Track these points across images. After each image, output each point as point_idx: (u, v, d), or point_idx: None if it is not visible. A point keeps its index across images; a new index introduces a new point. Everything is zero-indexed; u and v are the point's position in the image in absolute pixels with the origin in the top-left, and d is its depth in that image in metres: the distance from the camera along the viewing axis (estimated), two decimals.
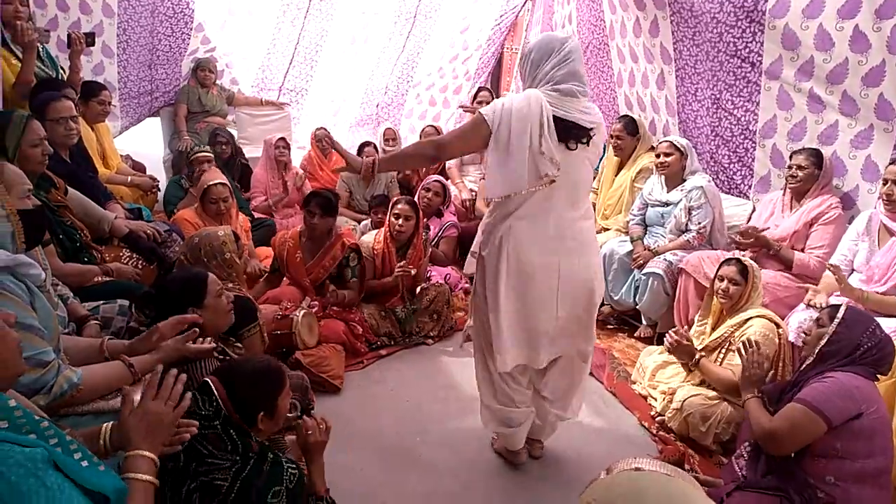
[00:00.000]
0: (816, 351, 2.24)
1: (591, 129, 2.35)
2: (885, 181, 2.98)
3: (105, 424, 1.52)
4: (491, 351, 2.48)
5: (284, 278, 3.64)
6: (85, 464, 1.17)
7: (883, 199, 2.99)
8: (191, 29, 5.76)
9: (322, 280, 3.54)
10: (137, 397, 1.45)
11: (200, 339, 2.04)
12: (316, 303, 3.40)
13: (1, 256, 1.65)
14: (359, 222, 4.70)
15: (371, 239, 3.88)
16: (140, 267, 2.99)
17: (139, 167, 4.94)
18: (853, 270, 3.14)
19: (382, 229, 3.85)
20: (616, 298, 4.06)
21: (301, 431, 1.93)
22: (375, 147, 5.17)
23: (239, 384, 1.68)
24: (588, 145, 2.36)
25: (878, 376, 2.24)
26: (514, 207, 2.35)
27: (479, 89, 5.68)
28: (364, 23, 6.46)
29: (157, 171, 5.23)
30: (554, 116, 2.26)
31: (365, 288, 3.73)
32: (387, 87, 6.82)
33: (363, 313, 3.60)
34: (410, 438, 2.84)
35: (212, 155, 4.47)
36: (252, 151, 5.70)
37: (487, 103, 2.65)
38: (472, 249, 2.56)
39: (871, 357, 2.18)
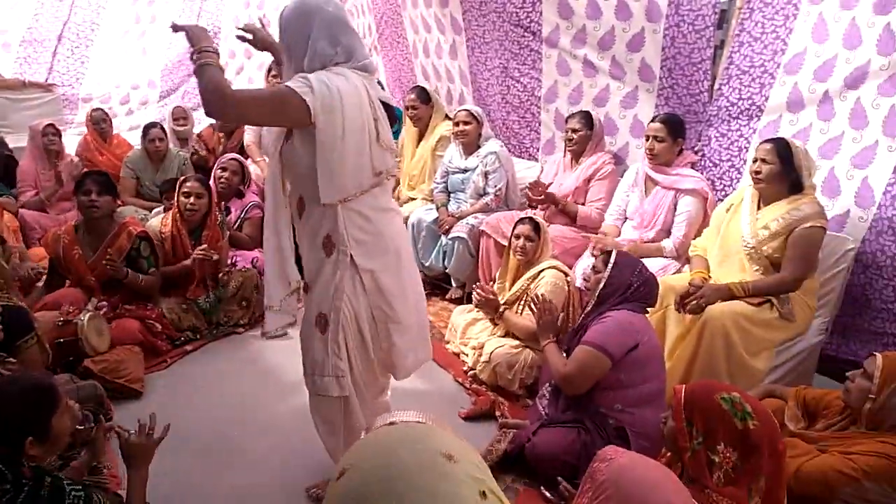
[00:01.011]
0: (596, 295, 2.49)
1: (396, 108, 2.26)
2: (647, 137, 3.34)
3: None
4: (375, 369, 2.23)
5: (66, 280, 3.26)
6: None
7: (646, 154, 3.35)
8: None
9: (109, 276, 3.18)
10: None
11: None
12: (105, 303, 3.09)
13: None
14: (150, 210, 4.34)
15: (158, 222, 3.58)
16: None
17: None
18: (626, 218, 3.51)
19: (169, 213, 3.58)
20: (427, 265, 4.18)
21: (120, 440, 1.80)
22: (162, 127, 4.78)
23: (0, 410, 1.50)
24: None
25: (648, 309, 2.55)
26: (348, 208, 2.01)
27: (274, 62, 5.47)
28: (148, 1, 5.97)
29: None
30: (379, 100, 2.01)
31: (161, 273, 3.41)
32: (180, 62, 6.34)
33: (161, 308, 3.33)
34: (229, 432, 2.72)
35: None
36: (15, 141, 5.03)
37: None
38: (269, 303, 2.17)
39: (641, 294, 2.49)
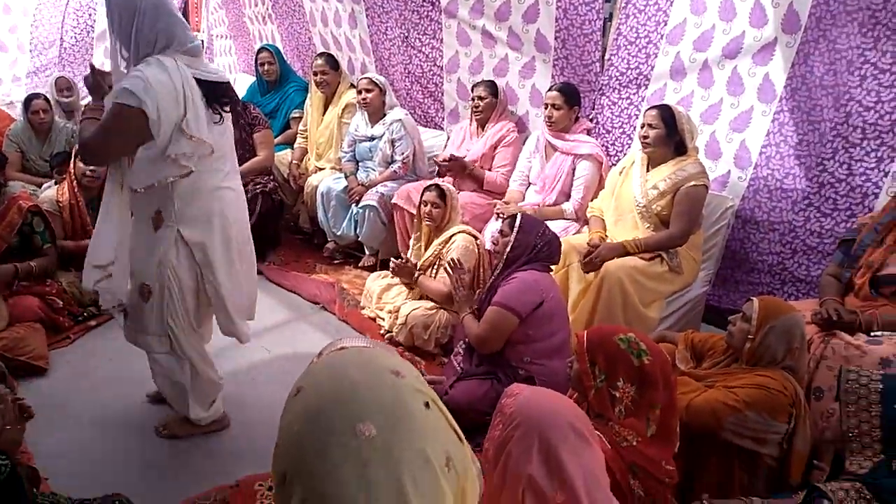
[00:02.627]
0: (504, 257, 2.63)
1: (228, 82, 2.27)
2: (546, 105, 3.51)
3: None
4: (199, 327, 2.39)
5: None
6: None
7: (545, 121, 3.52)
8: None
9: (1, 252, 3.02)
10: None
11: None
12: None
13: None
14: (40, 186, 4.08)
15: (53, 193, 3.41)
16: None
17: None
18: (530, 184, 3.68)
19: (65, 182, 3.41)
20: (338, 234, 4.20)
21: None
22: (46, 98, 4.48)
23: None
24: (230, 110, 2.25)
25: (552, 268, 2.73)
26: (178, 187, 2.14)
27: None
28: None
29: None
30: (204, 81, 2.10)
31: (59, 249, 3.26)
32: (62, 37, 5.92)
33: (61, 283, 3.19)
34: (137, 406, 2.69)
35: None
36: None
37: None
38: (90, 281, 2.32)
39: (545, 254, 2.65)
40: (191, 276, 2.25)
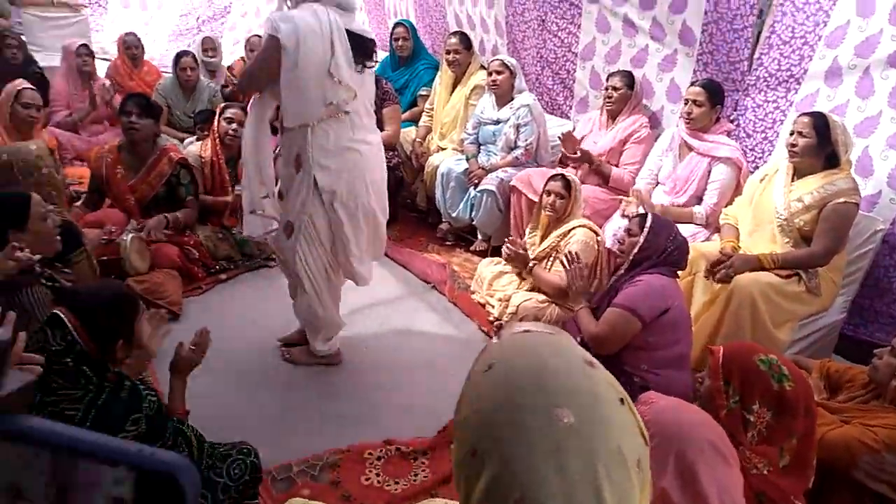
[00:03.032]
0: (630, 258, 2.54)
1: (374, 41, 2.44)
2: (686, 101, 3.35)
3: None
4: (331, 273, 2.61)
5: (106, 200, 3.32)
6: None
7: (683, 118, 3.36)
8: None
9: (148, 200, 3.26)
10: None
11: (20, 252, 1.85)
12: (143, 225, 3.15)
13: None
14: (182, 141, 4.36)
15: (197, 148, 3.62)
16: None
17: None
18: (658, 183, 3.54)
19: (208, 140, 3.61)
20: (454, 215, 4.21)
21: (178, 349, 1.91)
22: (194, 57, 4.76)
23: (94, 313, 1.56)
24: (373, 67, 2.45)
25: (678, 273, 2.61)
26: (315, 135, 2.34)
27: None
28: None
29: None
30: (352, 32, 2.27)
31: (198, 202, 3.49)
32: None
33: (199, 236, 3.40)
34: (259, 359, 2.83)
35: None
36: (44, 60, 4.99)
37: None
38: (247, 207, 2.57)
39: (673, 258, 2.53)
40: (325, 219, 2.46)
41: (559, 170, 3.53)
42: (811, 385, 1.75)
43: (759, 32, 3.40)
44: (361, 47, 2.31)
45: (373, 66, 2.44)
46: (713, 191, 3.27)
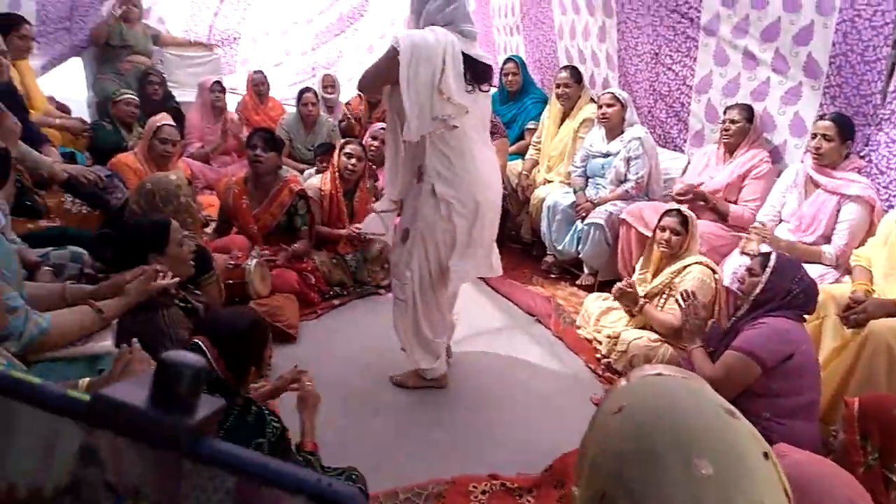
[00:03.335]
0: (751, 299, 2.41)
1: (492, 68, 2.54)
2: (815, 135, 3.17)
3: (82, 381, 1.48)
4: (436, 284, 2.68)
5: (232, 227, 3.55)
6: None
7: (811, 153, 3.18)
8: None
9: (270, 228, 3.47)
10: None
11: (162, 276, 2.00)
12: (266, 251, 3.34)
13: None
14: (301, 172, 4.60)
15: (318, 181, 3.81)
16: (84, 213, 2.86)
17: (63, 109, 4.64)
18: (781, 221, 3.36)
19: (328, 173, 3.79)
20: (559, 248, 4.18)
21: (301, 384, 1.99)
22: (315, 93, 5.04)
23: (233, 344, 1.65)
24: (488, 90, 2.58)
25: (805, 317, 2.45)
26: (433, 147, 2.47)
27: None
28: None
29: (81, 114, 4.93)
30: (468, 55, 2.38)
31: (315, 235, 3.67)
32: (328, 29, 6.60)
33: (315, 261, 3.56)
34: (369, 384, 2.90)
35: (137, 98, 4.30)
36: (180, 96, 5.44)
37: None
38: (378, 207, 2.77)
39: (799, 301, 2.37)
40: (440, 230, 2.55)
41: (675, 204, 3.42)
42: None
43: (894, 64, 3.20)
44: (475, 70, 2.42)
45: (486, 90, 2.55)
46: (843, 230, 3.06)
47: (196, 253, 2.36)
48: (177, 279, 2.02)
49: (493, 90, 5.29)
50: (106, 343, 1.75)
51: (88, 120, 4.98)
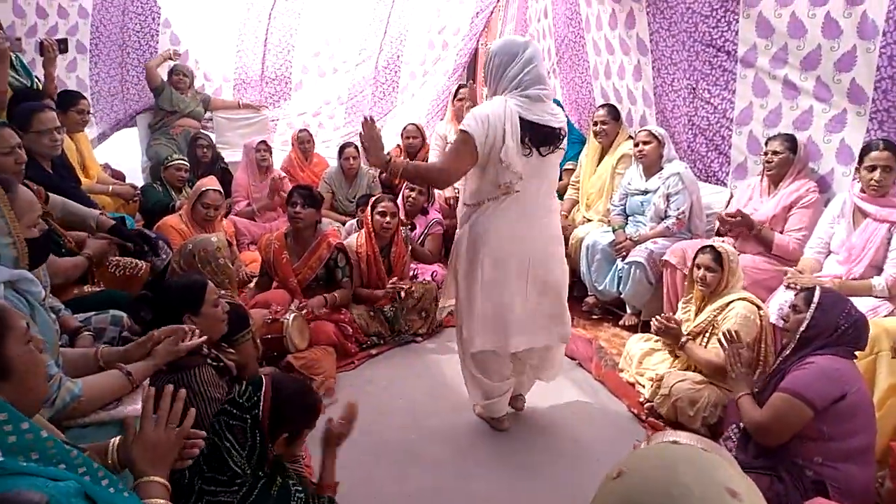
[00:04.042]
0: (797, 337, 2.29)
1: (561, 129, 2.53)
2: (874, 167, 2.98)
3: (112, 441, 1.51)
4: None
5: (273, 282, 3.63)
6: (112, 490, 1.18)
7: (871, 185, 2.99)
8: (158, 24, 5.92)
9: (309, 281, 3.54)
10: (139, 421, 1.41)
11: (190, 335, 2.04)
12: (305, 305, 3.40)
13: (3, 272, 1.65)
14: (343, 224, 4.70)
15: (354, 242, 3.86)
16: (127, 275, 2.96)
17: (118, 175, 4.92)
18: (829, 252, 3.22)
19: (363, 231, 3.85)
20: (600, 288, 4.11)
21: (328, 425, 2.00)
22: (356, 147, 5.17)
23: (287, 400, 1.67)
24: (560, 150, 2.57)
25: (856, 354, 2.31)
26: (487, 209, 2.56)
27: (459, 87, 5.69)
28: (336, 22, 6.46)
29: (136, 178, 5.22)
30: (528, 121, 2.41)
31: (353, 292, 3.73)
32: (373, 91, 6.79)
33: (352, 314, 3.61)
34: (407, 435, 2.88)
35: (187, 163, 4.51)
36: (230, 156, 5.67)
37: (468, 99, 2.77)
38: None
39: (849, 337, 2.24)
40: (482, 288, 2.61)
41: (713, 240, 3.33)
42: None
43: None
44: (534, 132, 2.45)
45: (548, 153, 2.52)
46: (894, 259, 2.90)
47: (231, 311, 2.42)
48: (205, 338, 2.06)
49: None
50: (136, 406, 1.79)
51: (142, 183, 5.26)
